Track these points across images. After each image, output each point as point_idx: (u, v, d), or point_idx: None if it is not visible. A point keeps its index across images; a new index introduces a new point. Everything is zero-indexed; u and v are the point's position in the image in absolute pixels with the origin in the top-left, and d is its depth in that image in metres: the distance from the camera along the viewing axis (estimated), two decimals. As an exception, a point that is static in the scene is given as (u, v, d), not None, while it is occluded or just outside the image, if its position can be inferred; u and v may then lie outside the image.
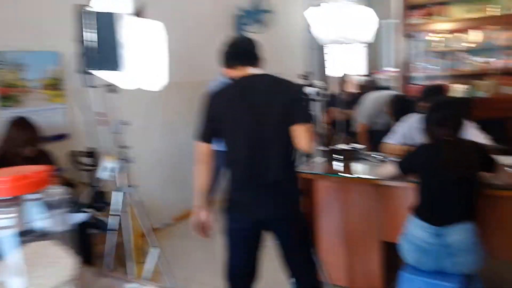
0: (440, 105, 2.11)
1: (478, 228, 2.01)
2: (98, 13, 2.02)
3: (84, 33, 2.07)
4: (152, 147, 4.12)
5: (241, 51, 2.01)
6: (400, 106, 4.12)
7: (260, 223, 1.99)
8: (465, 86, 4.43)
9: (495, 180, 2.13)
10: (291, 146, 1.92)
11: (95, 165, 3.02)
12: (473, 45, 4.47)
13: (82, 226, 2.66)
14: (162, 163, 4.22)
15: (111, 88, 2.41)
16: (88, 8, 2.04)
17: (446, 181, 1.95)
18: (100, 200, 2.83)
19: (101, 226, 2.70)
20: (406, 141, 3.02)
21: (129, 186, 2.50)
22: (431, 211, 2.02)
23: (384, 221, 2.52)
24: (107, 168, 2.50)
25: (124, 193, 2.48)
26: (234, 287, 2.07)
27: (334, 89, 5.76)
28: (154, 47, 2.19)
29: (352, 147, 2.86)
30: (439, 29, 4.60)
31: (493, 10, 4.22)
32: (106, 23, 2.07)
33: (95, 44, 2.08)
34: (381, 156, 2.89)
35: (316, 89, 4.35)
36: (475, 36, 4.41)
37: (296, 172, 2.05)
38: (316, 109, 4.79)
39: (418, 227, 2.01)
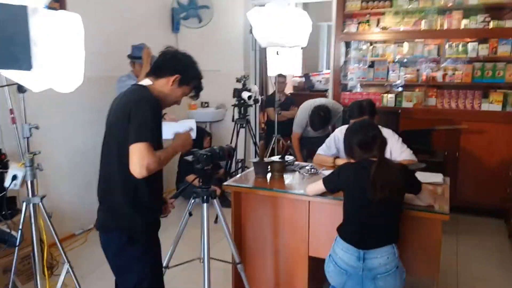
0: (362, 127, 2.06)
1: (400, 249, 2.03)
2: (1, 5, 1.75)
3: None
4: (72, 147, 3.82)
5: (155, 62, 1.93)
6: (319, 119, 4.18)
7: None
8: (394, 96, 4.57)
9: (417, 201, 2.16)
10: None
11: (2, 168, 2.72)
12: (403, 56, 4.62)
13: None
14: (84, 165, 3.92)
15: (20, 87, 2.18)
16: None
17: (370, 203, 1.91)
18: (4, 210, 2.53)
19: (4, 239, 2.41)
20: (338, 153, 3.02)
21: (38, 196, 2.25)
22: (355, 233, 1.99)
23: (313, 237, 2.48)
24: (14, 176, 2.24)
25: (32, 204, 2.23)
26: None
27: (272, 90, 5.72)
28: (69, 43, 1.96)
29: (283, 159, 2.79)
30: (372, 39, 4.70)
31: (423, 24, 4.38)
32: (11, 17, 1.81)
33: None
34: (313, 168, 2.85)
35: (250, 94, 4.28)
36: (405, 48, 4.56)
37: (141, 203, 1.80)
38: (250, 113, 4.72)
39: (343, 249, 1.98)
